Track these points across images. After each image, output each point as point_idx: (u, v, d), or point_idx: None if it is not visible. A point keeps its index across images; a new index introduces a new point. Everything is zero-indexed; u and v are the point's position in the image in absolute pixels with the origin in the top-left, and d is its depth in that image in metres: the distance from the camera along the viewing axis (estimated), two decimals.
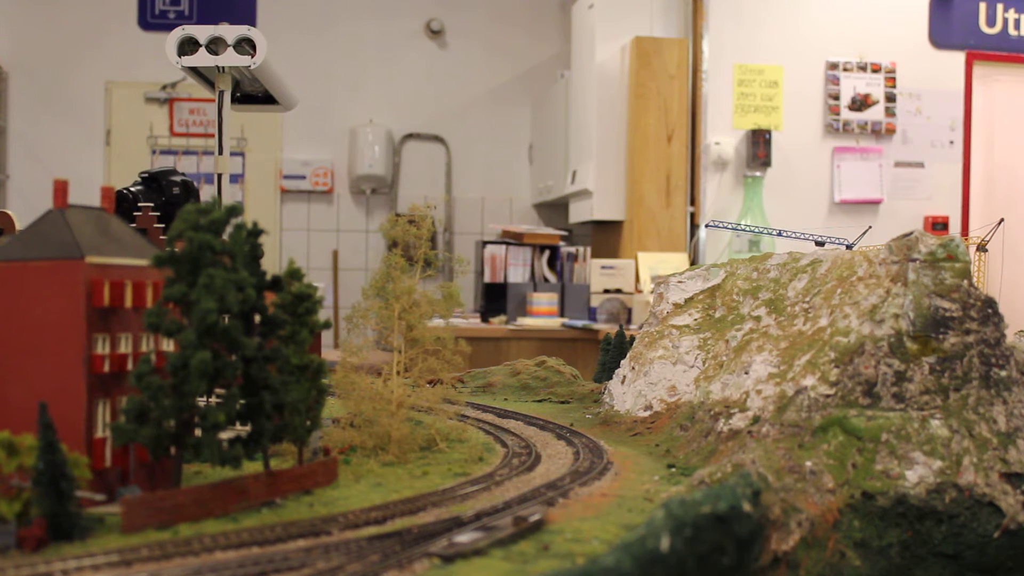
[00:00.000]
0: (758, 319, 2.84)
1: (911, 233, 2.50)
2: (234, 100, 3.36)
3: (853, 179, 8.76)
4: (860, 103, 8.76)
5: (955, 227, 8.88)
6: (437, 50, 9.71)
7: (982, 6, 9.06)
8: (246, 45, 3.07)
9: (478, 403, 3.31)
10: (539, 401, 3.53)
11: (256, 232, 1.97)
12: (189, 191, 3.20)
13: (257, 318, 2.00)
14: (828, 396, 2.30)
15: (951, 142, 9.00)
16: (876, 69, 8.79)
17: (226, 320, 1.89)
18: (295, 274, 2.13)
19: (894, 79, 8.83)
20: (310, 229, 9.54)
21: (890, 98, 8.82)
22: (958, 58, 9.00)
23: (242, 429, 2.01)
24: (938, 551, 2.08)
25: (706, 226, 8.18)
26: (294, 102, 3.72)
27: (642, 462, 2.50)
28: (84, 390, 1.88)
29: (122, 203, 2.97)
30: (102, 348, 1.92)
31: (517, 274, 8.05)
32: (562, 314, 7.80)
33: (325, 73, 9.40)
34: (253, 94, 3.59)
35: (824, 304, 2.60)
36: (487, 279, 8.05)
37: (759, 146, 8.43)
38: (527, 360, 3.97)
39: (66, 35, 9.22)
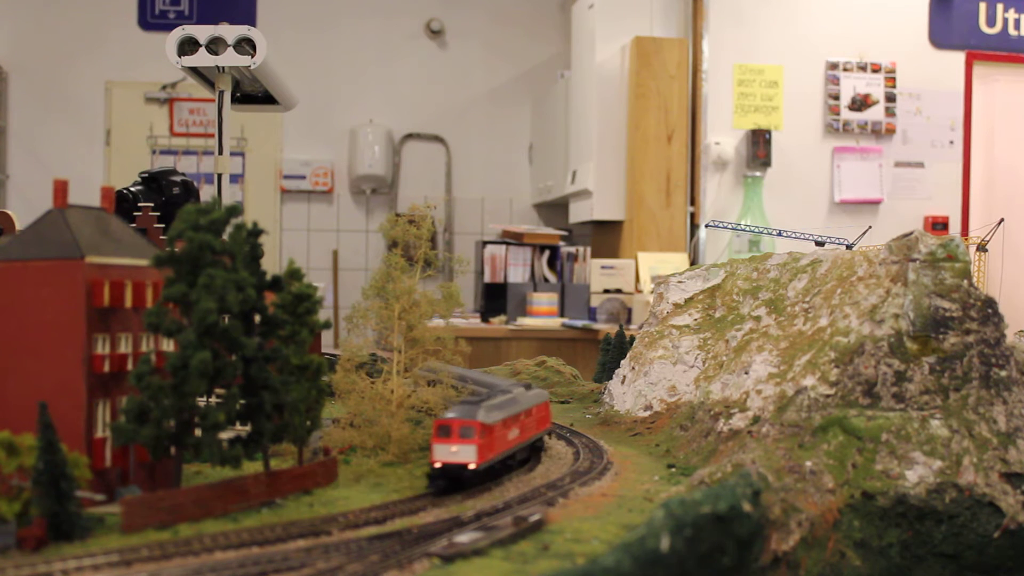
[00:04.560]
0: (758, 319, 2.84)
1: (911, 233, 2.50)
2: (234, 100, 3.36)
3: (853, 179, 8.76)
4: (860, 103, 8.76)
5: (955, 227, 8.88)
6: (437, 50, 9.71)
7: (982, 6, 9.06)
8: (246, 45, 3.08)
9: None
10: None
11: (256, 232, 1.98)
12: (189, 191, 3.20)
13: (257, 318, 2.00)
14: (828, 396, 2.30)
15: (951, 142, 9.00)
16: (876, 69, 8.79)
17: (226, 320, 1.89)
18: (295, 274, 2.13)
19: (894, 79, 8.83)
20: (310, 229, 9.54)
21: (890, 98, 8.82)
22: (958, 58, 9.00)
23: (242, 429, 2.01)
24: (938, 551, 2.08)
25: (706, 226, 8.18)
26: (294, 102, 3.72)
27: (642, 462, 2.50)
28: (84, 390, 1.88)
29: (122, 203, 2.97)
30: (102, 348, 1.92)
31: (517, 274, 8.05)
32: (562, 314, 7.80)
33: (325, 73, 9.40)
34: (253, 94, 3.60)
35: (824, 304, 2.60)
36: (487, 279, 8.05)
37: (759, 146, 8.42)
38: (527, 360, 3.97)
39: (66, 35, 9.22)
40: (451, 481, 2.08)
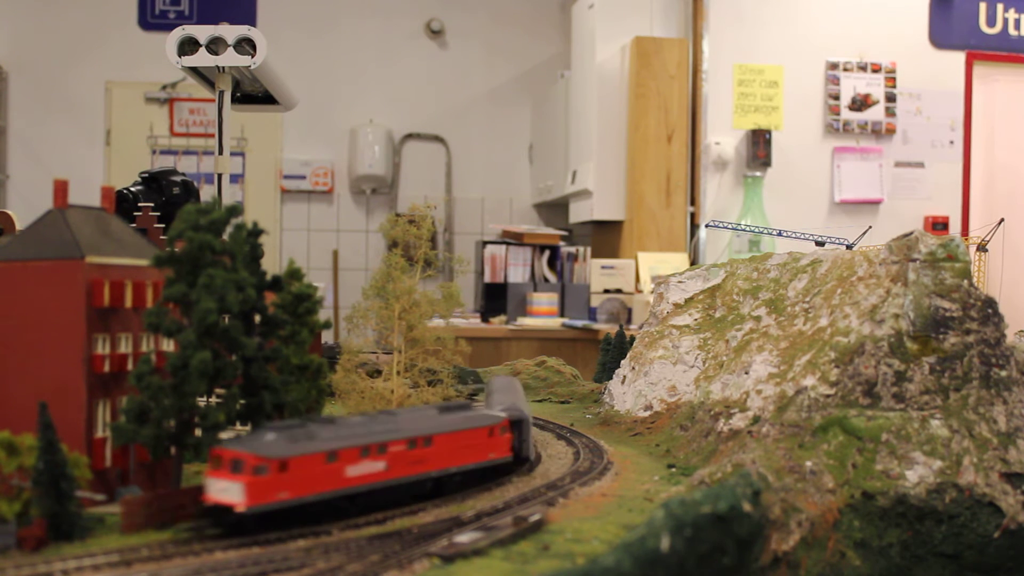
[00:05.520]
0: (758, 319, 2.84)
1: (911, 233, 2.50)
2: (234, 100, 3.36)
3: (853, 179, 8.76)
4: (860, 103, 8.76)
5: (955, 227, 8.88)
6: (437, 50, 9.70)
7: (982, 6, 9.06)
8: (246, 45, 3.07)
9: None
10: (539, 401, 3.53)
11: (256, 232, 1.98)
12: (189, 191, 3.20)
13: (257, 318, 2.00)
14: (828, 396, 2.30)
15: (951, 142, 9.00)
16: (876, 69, 8.80)
17: (226, 320, 1.89)
18: (295, 274, 2.13)
19: (894, 79, 8.83)
20: (310, 229, 9.54)
21: (890, 98, 8.82)
22: (958, 58, 9.00)
23: (242, 429, 2.01)
24: (938, 551, 2.08)
25: (706, 226, 8.18)
26: (294, 102, 3.72)
27: (642, 462, 2.50)
28: (84, 390, 1.88)
29: (122, 203, 2.97)
30: (102, 348, 1.92)
31: (517, 274, 8.05)
32: (562, 314, 7.80)
33: (325, 73, 9.40)
34: (253, 94, 3.59)
35: (824, 304, 2.60)
36: (487, 279, 8.05)
37: (759, 146, 8.43)
38: (527, 360, 3.97)
39: (66, 35, 9.22)
40: (221, 525, 1.75)
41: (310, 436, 1.82)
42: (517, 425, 2.29)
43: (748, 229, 3.98)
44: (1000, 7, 9.09)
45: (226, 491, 1.72)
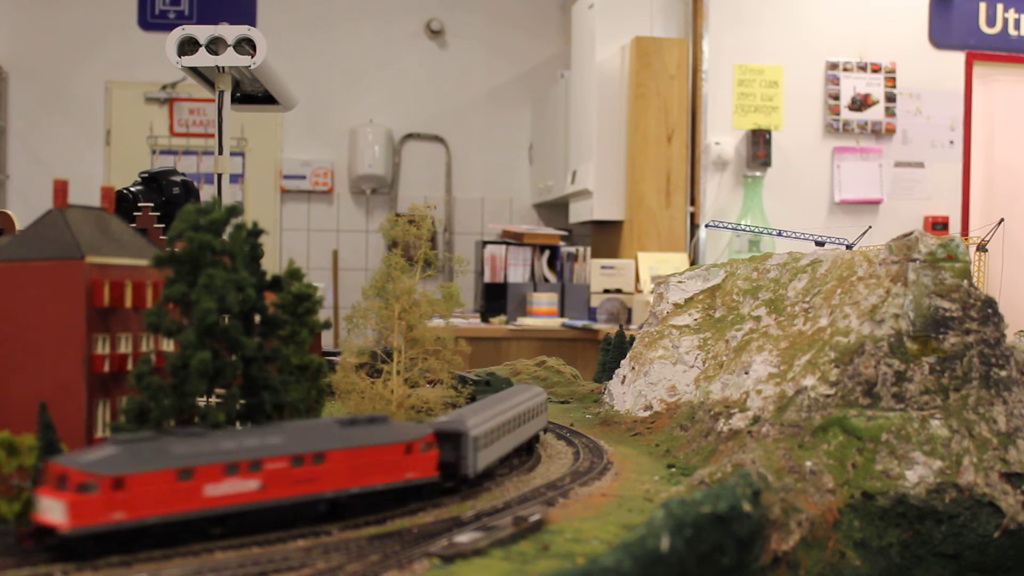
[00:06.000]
0: (758, 319, 2.84)
1: (911, 233, 2.50)
2: (234, 100, 3.36)
3: (853, 179, 8.76)
4: (860, 103, 8.76)
5: (955, 227, 8.88)
6: (437, 50, 9.71)
7: (982, 6, 9.06)
8: (246, 45, 3.07)
9: None
10: None
11: (256, 232, 1.98)
12: (189, 191, 3.20)
13: (257, 318, 2.00)
14: (828, 396, 2.30)
15: (951, 142, 9.00)
16: (876, 69, 8.79)
17: (226, 320, 1.89)
18: (295, 274, 2.13)
19: (894, 79, 8.83)
20: (310, 229, 9.54)
21: (890, 98, 8.82)
22: (958, 58, 9.00)
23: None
24: (938, 551, 2.08)
25: (706, 226, 8.18)
26: (294, 102, 3.72)
27: (642, 462, 2.50)
28: (84, 390, 1.88)
29: (122, 203, 2.97)
30: (102, 348, 1.92)
31: (517, 274, 8.05)
32: (562, 314, 7.80)
33: (325, 73, 9.40)
34: (253, 94, 3.59)
35: (824, 304, 2.60)
36: (487, 279, 8.05)
37: (759, 146, 8.42)
38: (527, 360, 3.97)
39: (66, 35, 9.22)
40: (46, 548, 1.58)
41: (160, 451, 1.64)
42: (453, 439, 2.05)
43: (748, 229, 3.98)
44: (1000, 7, 9.09)
45: (50, 510, 1.55)
